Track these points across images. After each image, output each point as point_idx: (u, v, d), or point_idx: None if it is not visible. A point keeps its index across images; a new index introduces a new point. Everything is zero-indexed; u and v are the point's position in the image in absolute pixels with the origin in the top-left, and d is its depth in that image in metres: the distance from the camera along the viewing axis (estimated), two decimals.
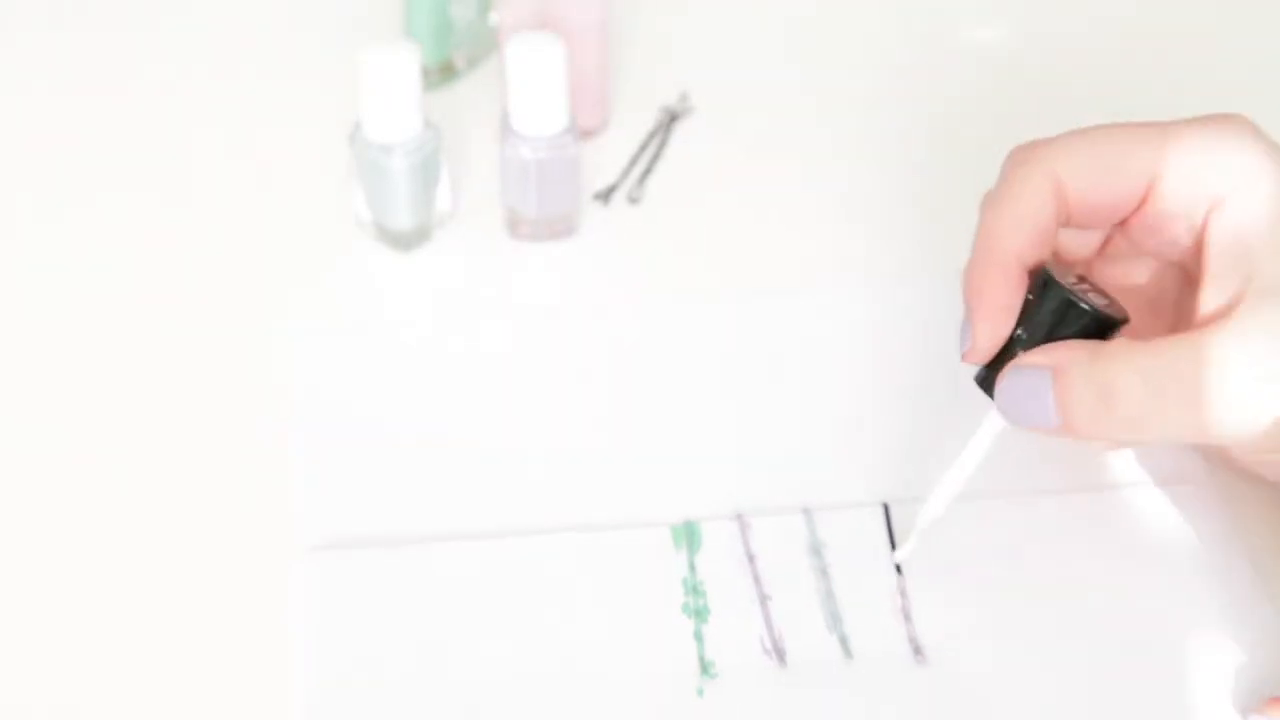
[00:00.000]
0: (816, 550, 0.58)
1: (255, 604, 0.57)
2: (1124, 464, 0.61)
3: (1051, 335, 0.53)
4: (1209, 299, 0.52)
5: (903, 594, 0.57)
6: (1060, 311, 0.53)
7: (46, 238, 0.71)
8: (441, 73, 0.77)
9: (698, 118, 0.77)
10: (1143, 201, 0.54)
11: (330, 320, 0.67)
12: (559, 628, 0.56)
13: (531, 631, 0.56)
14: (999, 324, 0.53)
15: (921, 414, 0.62)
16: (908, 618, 0.56)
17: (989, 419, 0.55)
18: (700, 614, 0.56)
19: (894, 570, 0.57)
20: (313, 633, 0.56)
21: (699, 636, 0.56)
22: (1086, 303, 0.53)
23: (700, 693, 0.54)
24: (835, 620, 0.56)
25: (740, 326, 0.66)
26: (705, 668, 0.55)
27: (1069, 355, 0.52)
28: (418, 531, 0.59)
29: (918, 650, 0.55)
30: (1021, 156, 0.55)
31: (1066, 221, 0.55)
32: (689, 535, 0.59)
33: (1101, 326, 0.53)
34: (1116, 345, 0.52)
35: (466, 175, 0.73)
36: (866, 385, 0.63)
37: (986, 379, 0.54)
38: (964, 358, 0.54)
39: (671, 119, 0.77)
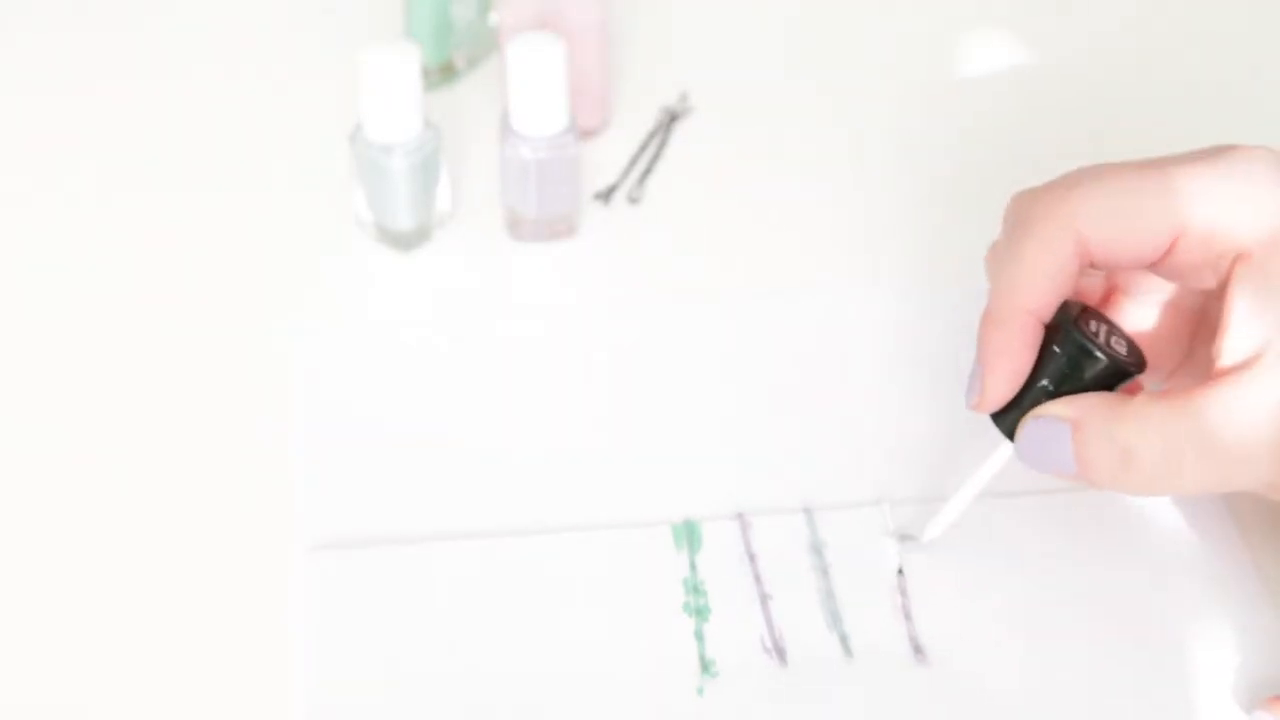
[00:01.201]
0: (817, 550, 0.58)
1: (257, 604, 0.57)
2: None
3: (1066, 381, 0.53)
4: (1230, 349, 0.51)
5: (903, 594, 0.57)
6: (1076, 359, 0.53)
7: (47, 237, 0.71)
8: (441, 73, 0.77)
9: (698, 118, 0.77)
10: (1167, 252, 0.53)
11: (330, 320, 0.67)
12: (560, 627, 0.56)
13: (532, 631, 0.56)
14: (1011, 382, 0.53)
15: (922, 413, 0.62)
16: (908, 617, 0.56)
17: (1000, 450, 0.55)
18: (701, 613, 0.56)
19: (894, 570, 0.57)
20: (313, 632, 0.56)
21: (699, 636, 0.56)
22: (1103, 351, 0.53)
23: (701, 692, 0.54)
24: (835, 619, 0.56)
25: (740, 326, 0.66)
26: (706, 667, 0.55)
27: (1088, 410, 0.52)
28: (418, 531, 0.59)
29: (918, 650, 0.55)
30: (1039, 211, 0.53)
31: (1089, 263, 0.53)
32: (690, 534, 0.59)
33: (1119, 373, 0.53)
34: (1136, 404, 0.51)
35: (466, 175, 0.73)
36: (867, 385, 0.63)
37: (1002, 420, 0.55)
38: (972, 407, 0.54)
39: (671, 119, 0.77)
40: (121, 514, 0.60)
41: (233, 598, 0.57)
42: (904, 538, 0.58)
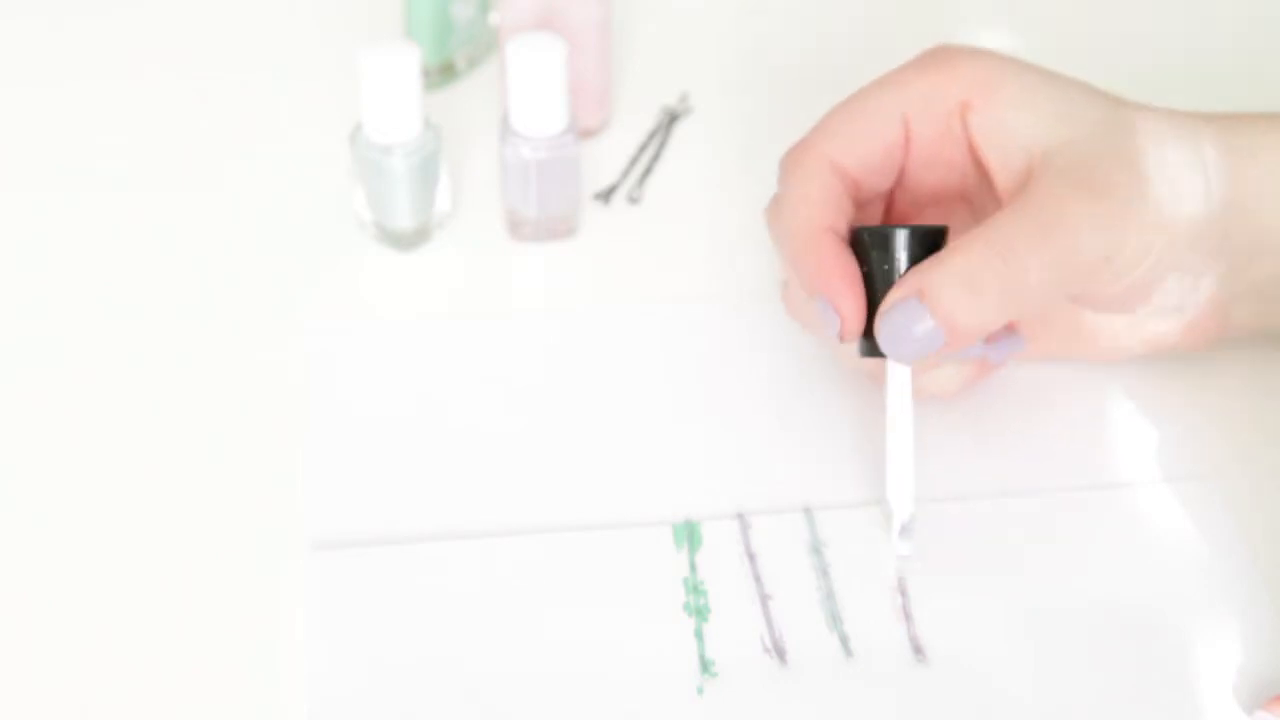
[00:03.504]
0: (817, 549, 0.58)
1: (261, 603, 0.57)
2: (1125, 462, 0.61)
3: (891, 274, 0.56)
4: (1005, 182, 0.57)
5: (903, 594, 0.57)
6: (886, 247, 0.56)
7: (48, 237, 0.71)
8: (441, 73, 0.77)
9: (698, 118, 0.77)
10: (908, 143, 0.58)
11: (330, 320, 0.67)
12: (560, 626, 0.56)
13: (532, 630, 0.56)
14: (854, 292, 0.56)
15: (921, 413, 0.62)
16: (908, 617, 0.56)
17: (890, 374, 0.57)
18: (701, 613, 0.56)
19: (894, 570, 0.57)
20: (317, 631, 0.56)
21: (699, 635, 0.56)
22: (900, 226, 0.56)
23: (700, 691, 0.54)
24: (835, 619, 0.56)
25: (740, 327, 0.66)
26: (706, 666, 0.55)
27: (922, 276, 0.54)
28: (419, 530, 0.59)
29: (918, 650, 0.55)
30: (797, 154, 0.58)
31: (856, 192, 0.58)
32: (690, 534, 0.59)
33: (930, 238, 0.56)
34: (955, 244, 0.55)
35: (466, 175, 0.73)
36: (866, 384, 0.63)
37: (868, 346, 0.56)
38: (842, 338, 0.56)
39: (671, 119, 0.77)
40: (125, 513, 0.60)
41: (237, 597, 0.57)
42: (904, 531, 0.58)
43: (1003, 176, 0.57)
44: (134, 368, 0.65)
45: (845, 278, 0.56)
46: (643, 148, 0.75)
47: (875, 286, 0.56)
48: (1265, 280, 0.59)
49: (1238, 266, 0.58)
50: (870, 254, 0.56)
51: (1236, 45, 0.81)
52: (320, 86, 0.77)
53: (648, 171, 0.74)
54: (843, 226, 0.57)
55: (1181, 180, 0.56)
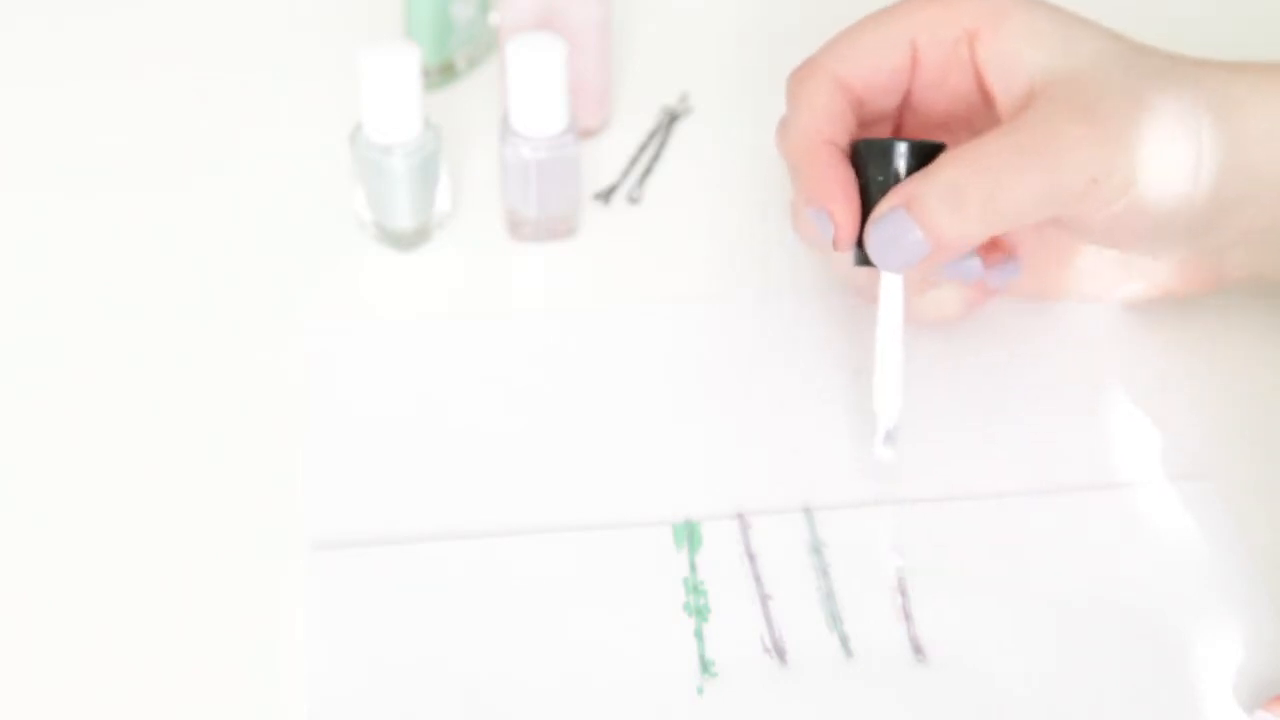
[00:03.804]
0: (817, 549, 0.58)
1: (261, 602, 0.57)
2: (1125, 462, 0.61)
3: (889, 184, 0.57)
4: (1006, 106, 0.58)
5: (903, 594, 0.57)
6: (885, 159, 0.57)
7: (49, 236, 0.71)
8: (441, 73, 0.77)
9: (698, 118, 0.77)
10: (914, 67, 0.59)
11: (330, 320, 0.67)
12: (560, 627, 0.56)
13: (532, 630, 0.56)
14: (849, 201, 0.57)
15: (922, 412, 0.62)
16: (908, 617, 0.56)
17: (883, 284, 0.58)
18: (701, 613, 0.56)
19: (894, 570, 0.57)
20: (317, 631, 0.56)
21: (699, 635, 0.56)
22: (899, 139, 0.57)
23: (701, 692, 0.54)
24: (835, 620, 0.56)
25: (740, 327, 0.66)
26: (706, 666, 0.55)
27: (910, 186, 0.56)
28: (419, 530, 0.59)
29: (918, 650, 0.55)
30: (803, 71, 0.59)
31: (860, 109, 0.59)
32: (690, 534, 0.59)
33: (926, 152, 0.57)
34: (945, 156, 0.56)
35: (466, 175, 0.73)
36: (867, 384, 0.63)
37: (862, 255, 0.57)
38: (836, 246, 0.57)
39: (671, 119, 0.77)
40: (125, 513, 0.60)
41: (237, 597, 0.57)
42: (888, 437, 0.58)
43: (1004, 101, 0.58)
44: (134, 368, 0.65)
45: (841, 187, 0.57)
46: (643, 148, 0.75)
47: (871, 197, 0.57)
48: (1257, 230, 0.59)
49: (1227, 214, 0.58)
50: (867, 166, 0.57)
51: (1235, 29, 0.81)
52: (320, 86, 0.77)
53: (648, 171, 0.74)
54: (843, 140, 0.58)
55: (1174, 123, 0.56)
